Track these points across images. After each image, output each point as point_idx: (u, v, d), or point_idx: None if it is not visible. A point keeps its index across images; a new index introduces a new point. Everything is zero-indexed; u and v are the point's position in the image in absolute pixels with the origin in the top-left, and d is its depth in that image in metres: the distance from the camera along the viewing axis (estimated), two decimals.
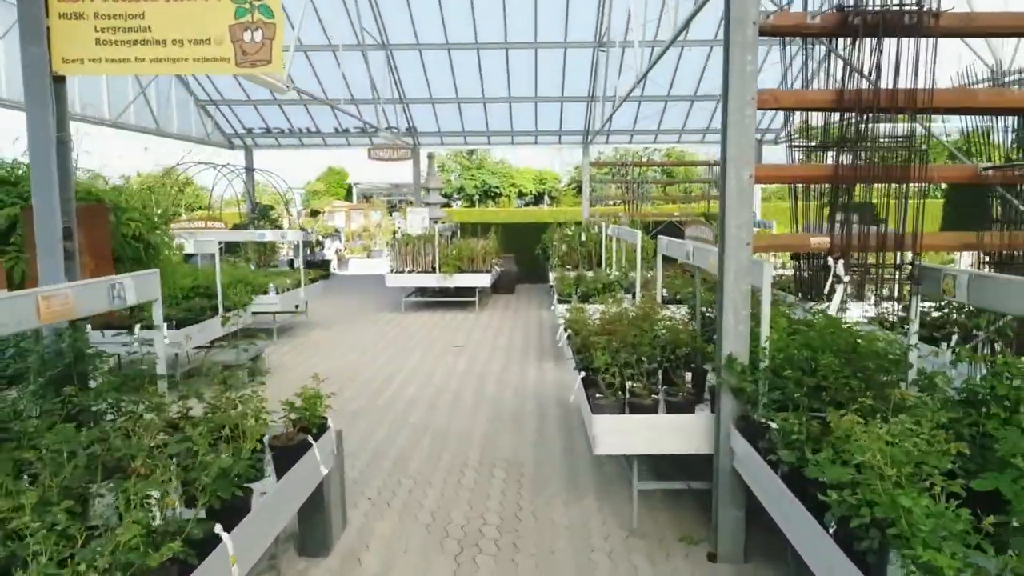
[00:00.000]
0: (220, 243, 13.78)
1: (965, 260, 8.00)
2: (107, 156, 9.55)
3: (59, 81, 3.99)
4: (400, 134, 17.38)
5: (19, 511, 2.03)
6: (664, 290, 7.42)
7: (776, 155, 17.56)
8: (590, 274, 10.38)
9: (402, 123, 17.30)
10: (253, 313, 9.50)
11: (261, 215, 17.36)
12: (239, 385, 3.62)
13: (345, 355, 9.53)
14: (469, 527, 4.39)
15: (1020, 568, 1.81)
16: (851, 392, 3.32)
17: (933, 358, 3.68)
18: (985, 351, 4.16)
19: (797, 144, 3.99)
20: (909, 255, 3.71)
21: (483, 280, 13.11)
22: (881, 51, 3.53)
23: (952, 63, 4.46)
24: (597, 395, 4.28)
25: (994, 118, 4.08)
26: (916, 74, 3.60)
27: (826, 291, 3.72)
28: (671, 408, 4.14)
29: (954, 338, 4.06)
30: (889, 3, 3.60)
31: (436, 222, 14.71)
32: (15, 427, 3.00)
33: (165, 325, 7.01)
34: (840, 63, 3.79)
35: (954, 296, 3.23)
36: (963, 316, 5.38)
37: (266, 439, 3.50)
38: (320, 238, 22.30)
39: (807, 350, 3.71)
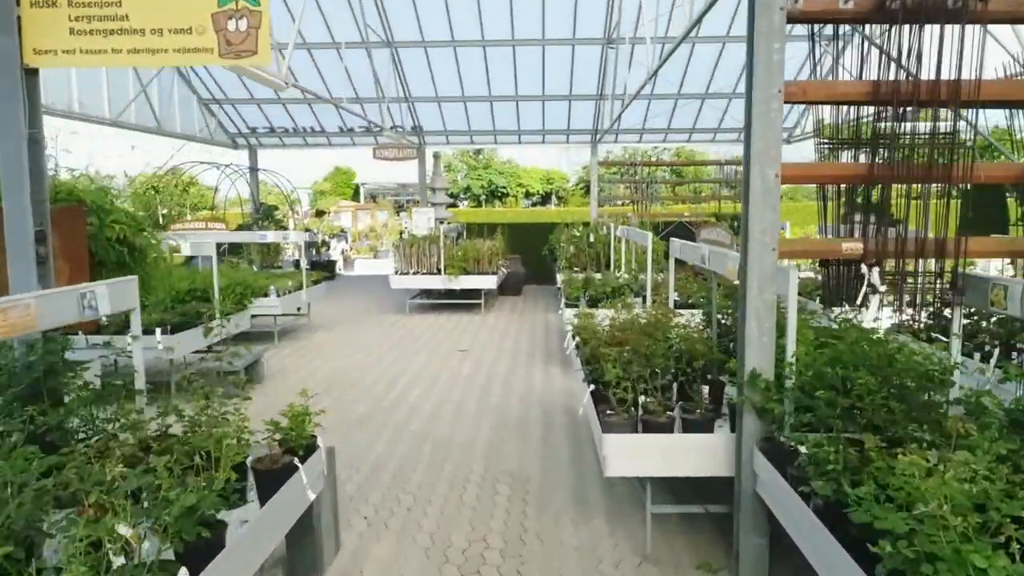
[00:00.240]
0: (225, 245, 13.67)
1: (993, 265, 7.65)
2: (93, 155, 9.29)
3: (31, 74, 3.73)
4: (405, 133, 17.11)
5: None
6: (675, 294, 7.12)
7: (787, 154, 17.17)
8: (598, 276, 10.07)
9: (407, 122, 17.03)
10: (252, 316, 9.26)
11: (265, 216, 17.11)
12: (224, 400, 3.35)
13: (348, 359, 9.26)
14: (470, 551, 4.10)
15: None
16: (889, 414, 3.02)
17: (979, 375, 3.36)
18: None
19: (826, 141, 3.67)
20: (947, 262, 3.40)
21: (489, 282, 12.82)
22: (922, 39, 3.22)
23: (993, 55, 4.13)
24: (608, 411, 3.98)
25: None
26: (959, 64, 3.29)
27: (859, 302, 3.41)
28: (688, 427, 3.83)
29: (995, 352, 3.73)
30: None
31: (442, 222, 14.44)
32: None
33: (159, 330, 6.85)
34: (873, 53, 3.48)
35: (1005, 309, 2.92)
36: (993, 324, 5.05)
37: (249, 460, 3.24)
38: (326, 238, 22.07)
39: (838, 366, 3.41)
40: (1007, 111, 5.00)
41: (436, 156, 16.75)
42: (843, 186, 3.71)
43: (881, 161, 3.44)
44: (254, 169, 18.12)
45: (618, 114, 13.37)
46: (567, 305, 8.81)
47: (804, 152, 16.76)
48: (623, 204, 17.25)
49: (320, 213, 29.32)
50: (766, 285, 3.41)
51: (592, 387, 4.36)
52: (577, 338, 5.53)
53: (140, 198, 17.25)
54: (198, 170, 15.75)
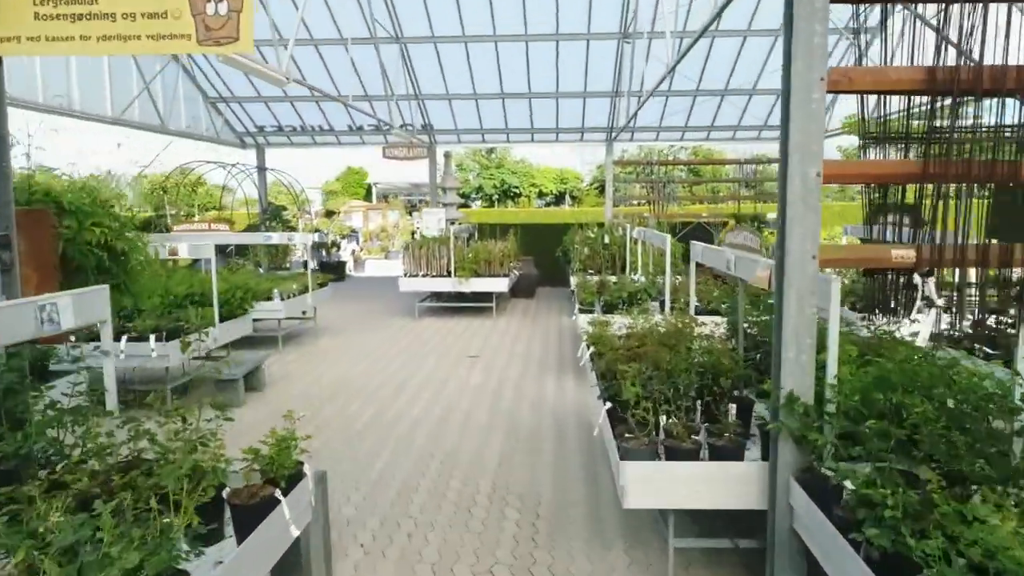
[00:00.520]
0: (230, 247, 13.40)
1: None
2: (76, 152, 9.01)
3: None
4: (416, 132, 16.79)
5: None
6: (696, 299, 6.73)
7: None
8: (614, 279, 9.68)
9: (417, 120, 16.70)
10: (255, 320, 8.97)
11: (273, 216, 16.86)
12: (207, 418, 3.02)
13: (353, 365, 8.94)
14: None
15: None
16: (951, 447, 2.63)
17: None
18: None
19: (872, 135, 3.28)
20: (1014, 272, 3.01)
21: (501, 284, 12.46)
22: (986, 19, 2.82)
23: None
24: (626, 434, 3.61)
25: None
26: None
27: (913, 315, 3.02)
28: (715, 453, 3.45)
29: None
30: None
31: (452, 223, 14.09)
32: None
33: (153, 337, 6.56)
34: (925, 35, 3.09)
35: None
36: None
37: (226, 492, 2.90)
38: (336, 239, 21.81)
39: (887, 388, 3.02)
40: None
41: (447, 155, 16.41)
42: (890, 186, 3.32)
43: (935, 158, 3.05)
44: (262, 168, 17.88)
45: (634, 111, 12.97)
46: (581, 311, 8.44)
47: (829, 150, 16.27)
48: (639, 204, 16.83)
49: (330, 213, 29.09)
50: (806, 298, 3.03)
51: (608, 405, 3.99)
52: (592, 348, 5.17)
53: (149, 198, 17.11)
54: (204, 169, 15.52)
